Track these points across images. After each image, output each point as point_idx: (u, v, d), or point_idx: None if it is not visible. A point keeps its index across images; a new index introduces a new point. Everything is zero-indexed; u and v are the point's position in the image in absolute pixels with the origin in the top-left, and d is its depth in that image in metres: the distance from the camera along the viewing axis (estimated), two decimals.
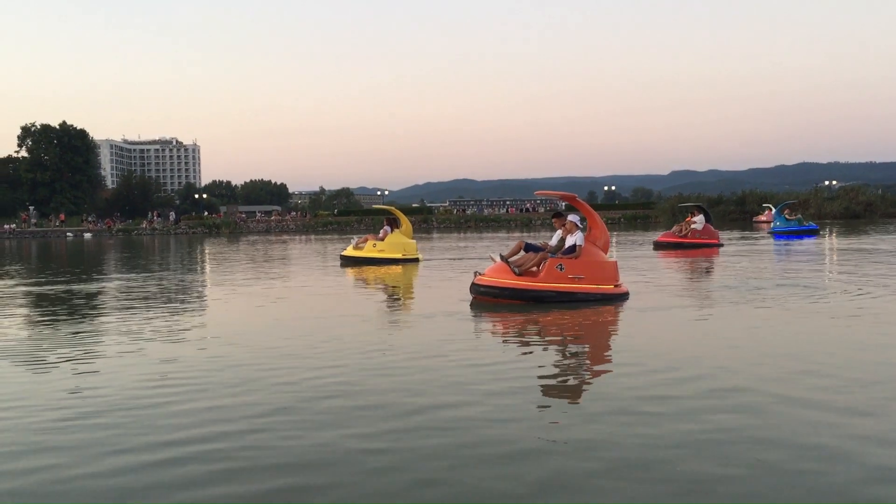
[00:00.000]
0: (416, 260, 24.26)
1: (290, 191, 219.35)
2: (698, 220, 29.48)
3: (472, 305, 12.72)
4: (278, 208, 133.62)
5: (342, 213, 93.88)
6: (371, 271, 21.44)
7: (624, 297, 13.07)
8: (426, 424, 5.75)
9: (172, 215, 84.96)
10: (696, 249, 27.44)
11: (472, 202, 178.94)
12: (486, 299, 12.87)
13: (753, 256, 23.72)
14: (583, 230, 13.21)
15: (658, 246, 29.44)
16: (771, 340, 8.98)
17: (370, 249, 24.28)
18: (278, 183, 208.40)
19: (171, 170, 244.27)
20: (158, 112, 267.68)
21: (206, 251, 37.33)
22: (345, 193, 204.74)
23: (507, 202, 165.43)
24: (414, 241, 25.40)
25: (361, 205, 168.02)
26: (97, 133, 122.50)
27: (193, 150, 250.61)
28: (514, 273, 12.86)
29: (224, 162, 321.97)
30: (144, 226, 75.31)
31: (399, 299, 15.54)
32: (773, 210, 43.34)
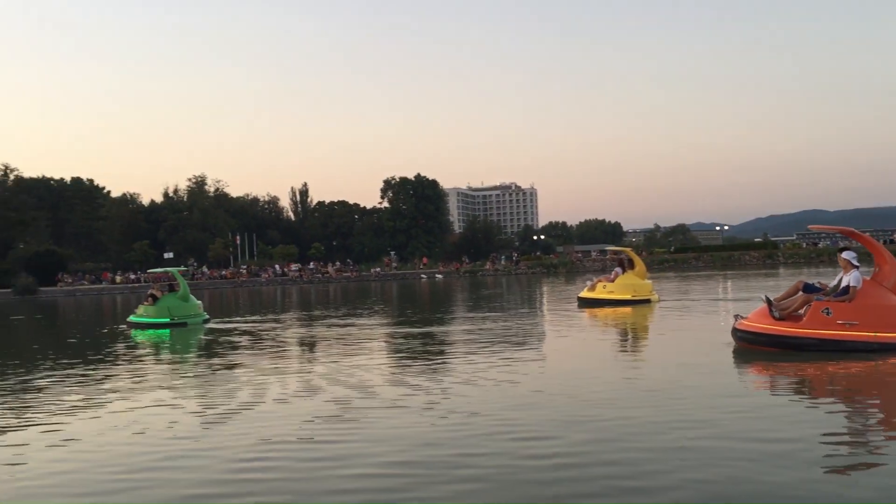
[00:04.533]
0: (648, 301, 23.66)
1: (624, 229, 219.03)
2: None
3: (735, 352, 11.76)
4: (613, 247, 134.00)
5: (679, 251, 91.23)
6: (601, 313, 21.50)
7: None
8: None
9: (514, 256, 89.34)
10: None
11: (823, 235, 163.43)
12: (747, 346, 11.81)
13: None
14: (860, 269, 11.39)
15: None
16: None
17: (601, 291, 24.40)
18: (612, 221, 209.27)
19: (511, 213, 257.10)
20: (499, 159, 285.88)
21: (545, 290, 38.66)
22: (681, 230, 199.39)
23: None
24: (649, 282, 24.98)
25: (699, 241, 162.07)
26: (446, 182, 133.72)
27: (531, 194, 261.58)
28: (774, 317, 11.49)
29: (559, 203, 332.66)
30: (488, 267, 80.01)
31: (643, 343, 15.29)
32: None
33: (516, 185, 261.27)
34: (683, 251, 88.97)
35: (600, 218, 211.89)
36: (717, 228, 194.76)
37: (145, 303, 24.31)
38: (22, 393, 11.25)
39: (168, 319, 23.09)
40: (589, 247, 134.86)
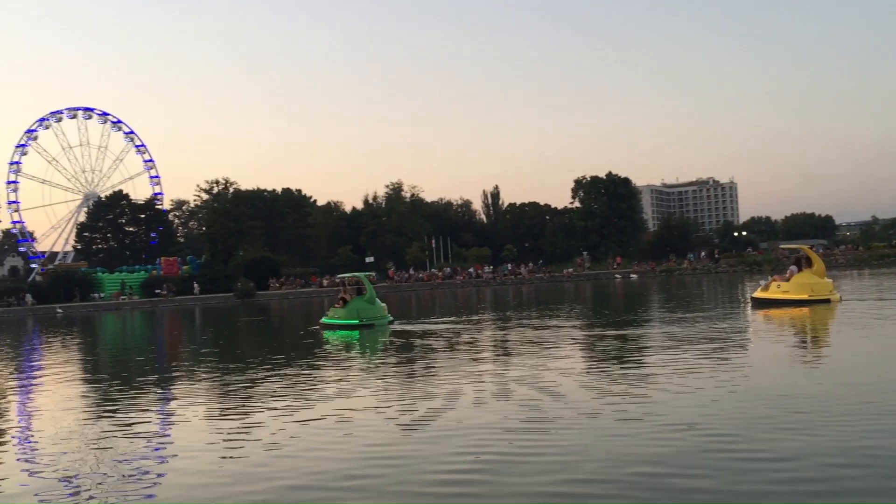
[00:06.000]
0: (828, 301, 22.15)
1: (837, 222, 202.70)
2: None
3: None
4: (824, 242, 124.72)
5: None
6: (777, 314, 20.74)
7: None
8: None
9: (709, 253, 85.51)
10: None
11: None
12: None
13: None
14: None
15: None
16: None
17: (774, 290, 23.45)
18: (822, 215, 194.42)
19: (709, 209, 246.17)
20: (695, 154, 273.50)
21: (746, 290, 36.69)
22: None
23: None
24: (828, 280, 23.48)
25: None
26: (638, 179, 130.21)
27: (730, 188, 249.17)
28: None
29: (763, 197, 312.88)
30: (686, 266, 77.13)
31: (838, 347, 14.25)
32: None
33: (714, 180, 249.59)
34: None
35: (809, 211, 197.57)
36: None
37: (336, 305, 25.97)
38: (235, 392, 12.31)
39: (357, 321, 24.44)
40: (796, 242, 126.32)
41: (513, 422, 8.57)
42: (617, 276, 73.34)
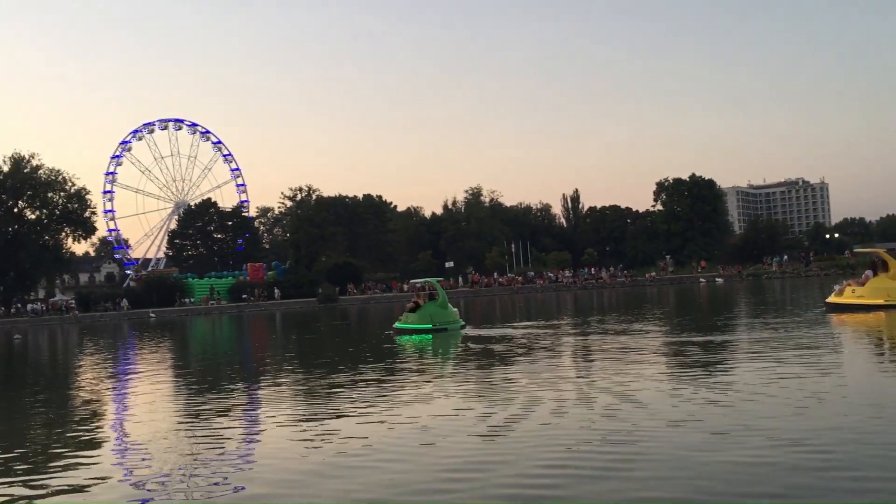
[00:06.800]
0: None
1: None
2: None
3: None
4: (861, 248, 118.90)
5: None
6: (852, 319, 20.18)
7: None
8: None
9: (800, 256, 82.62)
10: None
11: None
12: None
13: None
14: None
15: None
16: None
17: (849, 295, 22.72)
18: None
19: (798, 211, 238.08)
20: (783, 154, 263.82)
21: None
22: None
23: None
24: None
25: None
26: (723, 181, 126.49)
27: (821, 189, 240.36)
28: None
29: (856, 198, 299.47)
30: (775, 269, 74.78)
31: None
32: None
33: (804, 181, 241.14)
34: None
35: None
36: None
37: (407, 310, 26.33)
38: (316, 397, 12.48)
39: (430, 325, 24.73)
40: (892, 244, 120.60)
41: (597, 432, 8.35)
42: (701, 279, 71.51)
